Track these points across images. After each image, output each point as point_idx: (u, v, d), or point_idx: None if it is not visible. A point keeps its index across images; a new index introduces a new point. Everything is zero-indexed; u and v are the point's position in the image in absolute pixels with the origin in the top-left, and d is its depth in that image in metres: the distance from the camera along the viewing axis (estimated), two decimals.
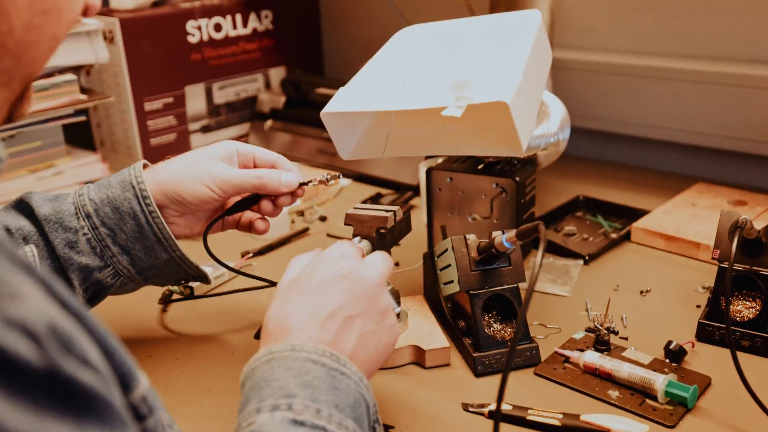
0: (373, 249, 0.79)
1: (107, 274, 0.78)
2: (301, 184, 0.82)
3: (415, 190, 1.24)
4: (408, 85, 0.84)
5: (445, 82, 0.81)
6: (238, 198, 0.84)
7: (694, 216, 1.08)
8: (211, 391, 0.78)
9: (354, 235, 0.80)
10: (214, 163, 0.79)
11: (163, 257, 0.79)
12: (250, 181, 0.79)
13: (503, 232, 0.76)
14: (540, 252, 0.62)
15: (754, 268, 0.82)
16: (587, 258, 1.01)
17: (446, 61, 0.87)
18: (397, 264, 1.03)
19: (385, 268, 0.66)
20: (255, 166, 0.83)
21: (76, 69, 1.22)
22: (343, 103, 0.84)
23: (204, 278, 0.84)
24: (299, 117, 1.44)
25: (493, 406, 0.72)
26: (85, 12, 0.49)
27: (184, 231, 0.83)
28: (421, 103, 0.80)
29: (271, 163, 0.83)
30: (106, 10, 1.36)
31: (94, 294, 0.80)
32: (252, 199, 0.83)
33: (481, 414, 0.72)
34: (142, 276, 0.80)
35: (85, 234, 0.77)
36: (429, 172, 0.99)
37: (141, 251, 0.78)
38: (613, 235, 1.08)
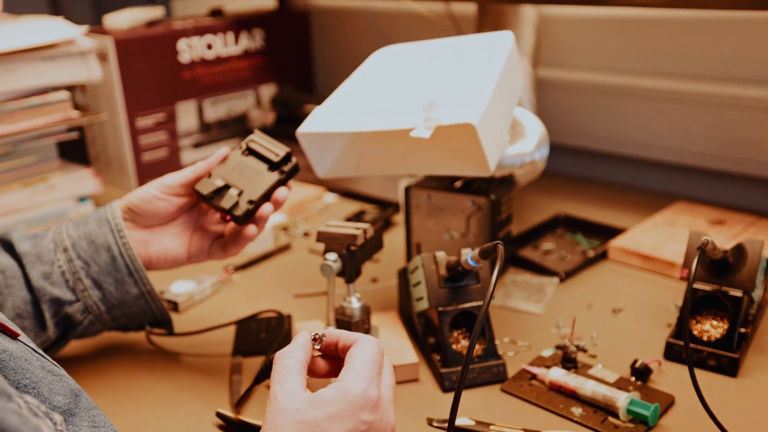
0: (344, 266, 0.81)
1: (77, 309, 0.81)
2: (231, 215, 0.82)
3: (398, 207, 1.25)
4: (381, 105, 0.86)
5: (417, 103, 0.83)
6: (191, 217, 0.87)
7: (672, 235, 1.09)
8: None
9: (325, 251, 0.82)
10: (160, 178, 0.84)
11: (133, 292, 0.82)
12: (186, 176, 0.83)
13: (471, 250, 0.78)
14: (496, 271, 0.64)
15: (723, 288, 0.83)
16: (563, 276, 1.02)
17: (418, 82, 0.89)
18: (374, 280, 1.04)
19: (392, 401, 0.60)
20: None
21: (70, 87, 1.25)
22: (317, 124, 0.86)
23: (168, 324, 0.87)
24: (288, 134, 1.45)
25: (457, 422, 0.73)
26: None
27: (155, 261, 0.85)
28: (392, 124, 0.81)
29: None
30: (100, 30, 1.39)
31: (64, 331, 0.82)
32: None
33: (444, 429, 0.73)
34: (110, 315, 0.83)
35: (59, 266, 0.80)
36: (407, 189, 1.00)
37: (112, 285, 0.81)
38: (591, 254, 1.09)
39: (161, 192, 0.83)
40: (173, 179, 0.83)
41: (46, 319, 0.80)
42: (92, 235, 0.81)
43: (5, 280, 0.79)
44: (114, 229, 0.82)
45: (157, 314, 0.85)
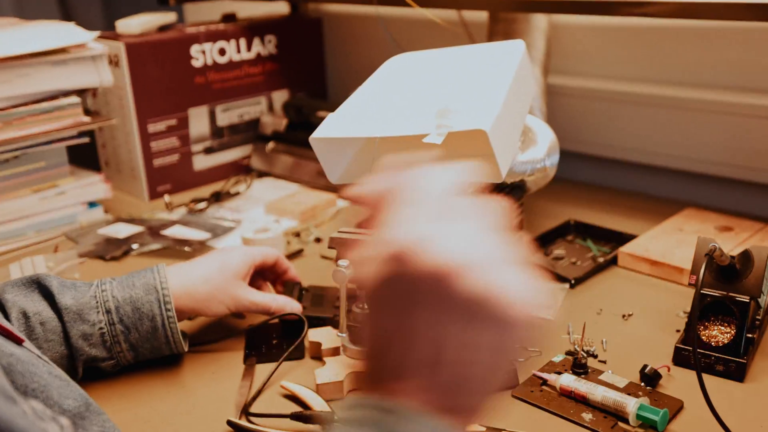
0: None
1: (109, 364, 0.83)
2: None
3: None
4: (394, 111, 0.87)
5: (429, 110, 0.84)
6: None
7: (680, 241, 1.09)
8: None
9: (337, 259, 0.82)
10: (237, 285, 0.88)
11: (165, 353, 0.85)
12: (262, 308, 0.89)
13: None
14: None
15: (730, 294, 0.84)
16: (573, 282, 1.02)
17: (431, 89, 0.90)
18: None
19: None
20: (263, 267, 0.95)
21: (81, 92, 1.26)
22: (330, 129, 0.87)
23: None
24: (300, 140, 1.47)
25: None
26: None
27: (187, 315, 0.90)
28: (405, 130, 0.82)
29: (284, 270, 0.98)
30: (112, 35, 1.41)
31: (87, 371, 0.84)
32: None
33: None
34: (135, 362, 0.86)
35: (101, 329, 0.81)
36: None
37: (148, 349, 0.84)
38: (601, 260, 1.09)
39: (233, 311, 0.88)
40: (253, 305, 0.89)
41: (78, 371, 0.82)
42: (138, 302, 0.82)
43: (44, 334, 0.79)
44: (161, 300, 0.82)
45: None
